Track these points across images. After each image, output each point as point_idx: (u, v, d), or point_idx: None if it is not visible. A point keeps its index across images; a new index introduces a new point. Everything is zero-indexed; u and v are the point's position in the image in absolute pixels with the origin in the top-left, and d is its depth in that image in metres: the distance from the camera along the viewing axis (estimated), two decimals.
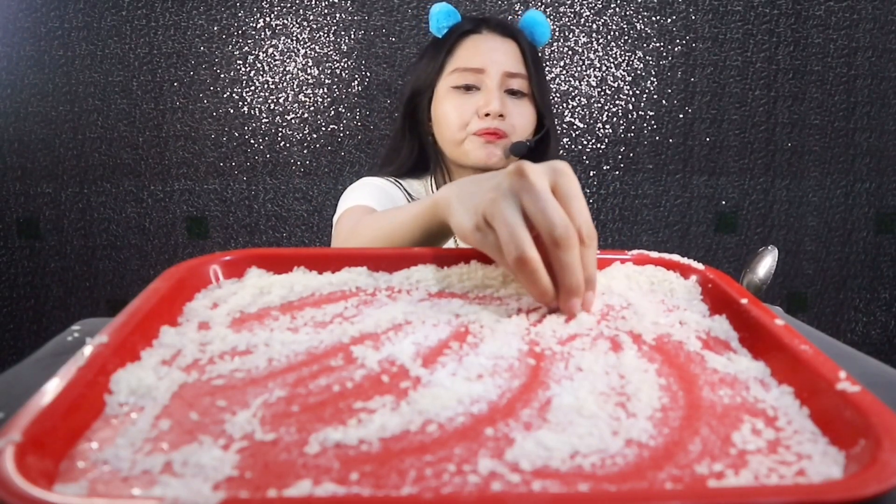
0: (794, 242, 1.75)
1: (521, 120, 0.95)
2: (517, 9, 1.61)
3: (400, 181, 0.99)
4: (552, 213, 0.41)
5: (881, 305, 1.81)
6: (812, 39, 1.66)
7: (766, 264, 0.83)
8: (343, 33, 1.60)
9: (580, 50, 1.64)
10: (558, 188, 0.42)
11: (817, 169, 1.72)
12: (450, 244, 0.99)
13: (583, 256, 0.42)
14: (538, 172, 0.42)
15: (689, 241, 1.72)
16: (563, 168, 0.43)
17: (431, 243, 0.62)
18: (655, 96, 1.66)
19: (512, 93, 0.95)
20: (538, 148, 0.98)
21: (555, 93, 1.65)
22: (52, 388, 0.31)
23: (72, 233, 1.63)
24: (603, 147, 1.67)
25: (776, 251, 0.86)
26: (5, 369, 0.41)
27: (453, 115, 0.94)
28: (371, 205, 0.88)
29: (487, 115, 0.92)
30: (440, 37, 0.98)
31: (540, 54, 1.00)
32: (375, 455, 0.29)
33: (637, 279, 0.53)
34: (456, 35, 0.96)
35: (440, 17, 0.98)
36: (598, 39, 1.64)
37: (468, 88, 0.94)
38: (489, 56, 0.94)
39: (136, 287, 1.61)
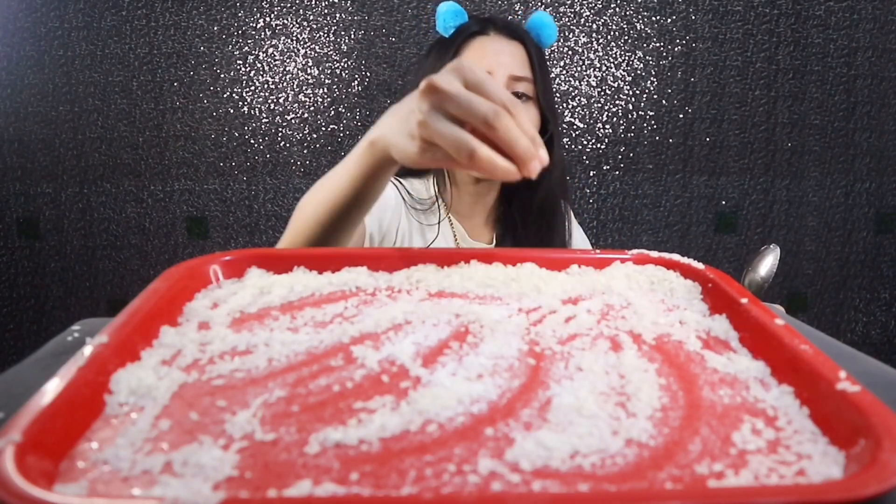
0: (794, 242, 1.75)
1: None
2: (517, 9, 1.61)
3: (401, 179, 0.99)
4: (476, 105, 0.46)
5: (881, 305, 1.81)
6: (812, 39, 1.66)
7: (767, 263, 0.83)
8: (343, 33, 1.59)
9: (580, 50, 1.64)
10: (467, 82, 0.47)
11: (817, 169, 1.72)
12: (450, 244, 0.99)
13: (517, 123, 0.47)
14: (447, 80, 0.47)
15: (689, 241, 1.72)
16: (461, 64, 0.48)
17: (376, 185, 0.63)
18: (655, 96, 1.66)
19: (517, 96, 0.94)
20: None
21: (555, 93, 1.65)
22: (52, 388, 0.31)
23: (72, 233, 1.63)
24: (603, 147, 1.67)
25: (778, 250, 0.85)
26: (5, 369, 0.41)
27: None
28: None
29: None
30: (447, 36, 0.97)
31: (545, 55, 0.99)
32: (375, 455, 0.29)
33: (637, 279, 0.53)
34: (463, 36, 0.96)
35: (447, 17, 0.97)
36: (598, 39, 1.64)
37: None
38: (496, 59, 0.92)
39: (136, 287, 1.61)
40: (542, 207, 1.00)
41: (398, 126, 0.54)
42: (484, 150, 0.46)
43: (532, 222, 1.00)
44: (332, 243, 0.68)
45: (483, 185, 1.00)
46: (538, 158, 0.47)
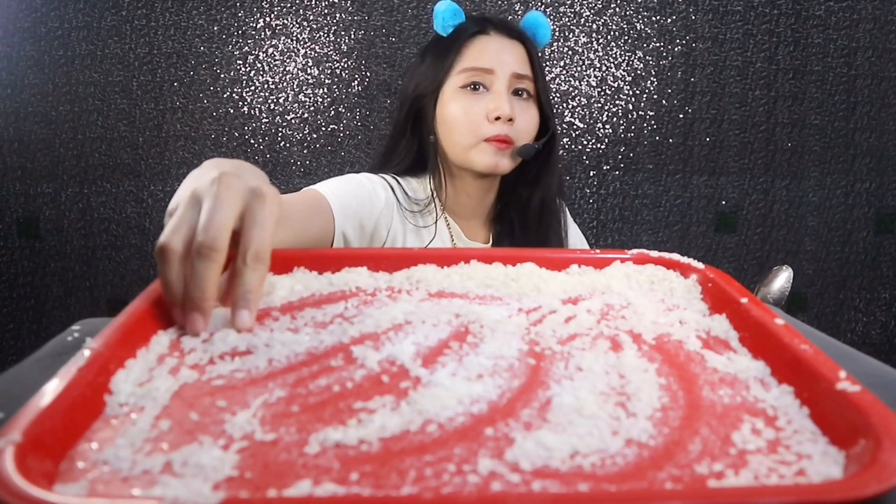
0: (794, 242, 1.75)
1: (525, 124, 0.95)
2: (517, 9, 1.61)
3: (398, 178, 0.98)
4: (205, 222, 0.40)
5: (881, 305, 1.81)
6: (812, 39, 1.66)
7: (780, 281, 0.82)
8: (343, 33, 1.59)
9: (580, 50, 1.64)
10: (247, 212, 0.42)
11: (817, 169, 1.72)
12: (446, 244, 0.99)
13: (242, 274, 0.41)
14: (234, 189, 0.42)
15: (689, 241, 1.72)
16: (264, 193, 0.43)
17: None
18: (655, 96, 1.66)
19: (517, 93, 0.95)
20: (543, 149, 0.98)
21: (555, 93, 1.65)
22: (52, 388, 0.31)
23: (72, 233, 1.63)
24: (603, 147, 1.67)
25: (790, 271, 0.84)
26: (5, 369, 0.41)
27: (463, 118, 0.93)
28: (327, 195, 0.86)
29: (497, 118, 0.91)
30: (444, 35, 0.98)
31: (539, 54, 1.00)
32: (375, 455, 0.29)
33: (637, 278, 0.53)
34: (464, 36, 0.96)
35: (446, 16, 0.97)
36: (598, 39, 1.64)
37: (475, 88, 0.94)
38: (498, 57, 0.93)
39: (136, 287, 1.61)
40: (541, 207, 1.00)
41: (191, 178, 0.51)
42: (173, 248, 0.41)
43: (530, 222, 1.00)
44: None
45: (483, 185, 1.00)
46: (235, 317, 0.42)
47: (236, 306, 0.41)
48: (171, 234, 0.41)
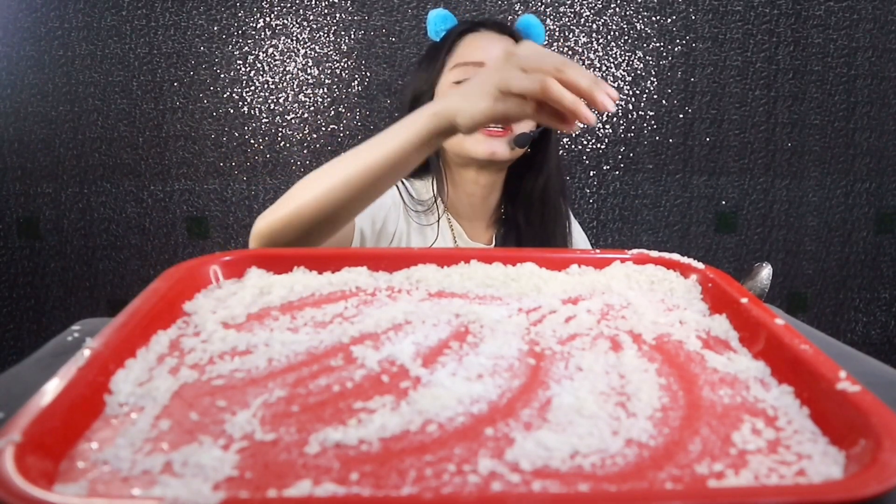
0: (794, 242, 1.74)
1: None
2: (517, 9, 1.61)
3: (403, 180, 0.99)
4: (547, 56, 0.56)
5: (881, 305, 1.81)
6: (812, 39, 1.66)
7: (762, 279, 0.82)
8: (343, 33, 1.59)
9: (580, 50, 1.64)
10: (533, 52, 0.58)
11: (817, 169, 1.72)
12: (448, 243, 0.99)
13: (577, 77, 0.55)
14: (521, 48, 0.59)
15: (689, 241, 1.72)
16: (528, 43, 0.60)
17: (423, 152, 0.68)
18: (655, 96, 1.66)
19: None
20: (541, 139, 0.98)
21: None
22: (52, 388, 0.31)
23: (72, 233, 1.63)
24: (603, 147, 1.67)
25: (770, 267, 0.84)
26: (5, 369, 0.41)
27: None
28: None
29: None
30: (438, 40, 0.99)
31: None
32: (375, 455, 0.29)
33: (637, 278, 0.53)
34: (454, 35, 0.97)
35: (437, 21, 0.99)
36: (598, 39, 1.64)
37: None
38: (488, 51, 0.94)
39: (136, 287, 1.60)
40: (543, 197, 1.00)
41: (467, 93, 0.63)
42: (553, 80, 0.55)
43: (533, 214, 1.01)
44: (329, 223, 0.68)
45: (484, 183, 0.99)
46: (604, 91, 0.54)
47: (599, 84, 0.54)
48: (540, 77, 0.55)
